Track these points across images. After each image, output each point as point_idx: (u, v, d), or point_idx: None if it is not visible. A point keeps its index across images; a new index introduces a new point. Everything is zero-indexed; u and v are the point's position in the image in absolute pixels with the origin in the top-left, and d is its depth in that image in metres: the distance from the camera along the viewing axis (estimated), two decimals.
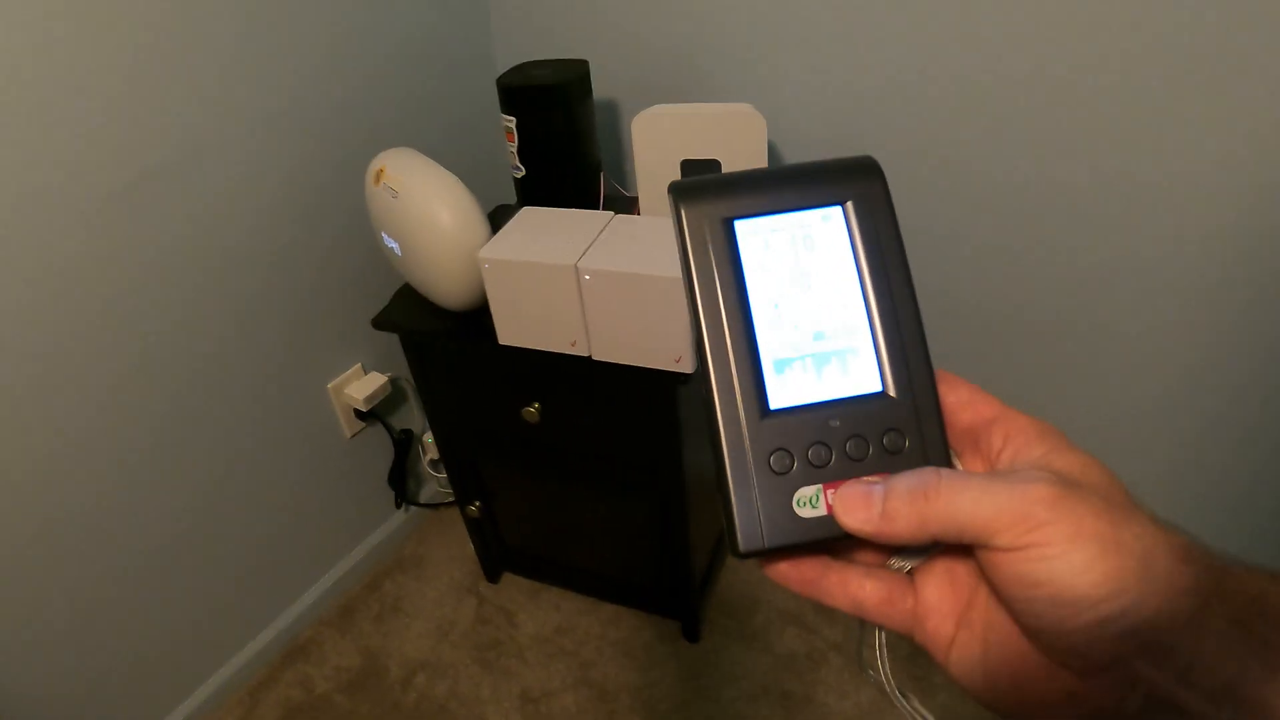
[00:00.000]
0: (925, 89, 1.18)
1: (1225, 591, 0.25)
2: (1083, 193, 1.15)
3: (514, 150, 1.25)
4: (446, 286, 1.13)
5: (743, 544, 0.31)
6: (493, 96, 1.38)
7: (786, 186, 0.33)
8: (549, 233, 1.08)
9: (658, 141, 1.17)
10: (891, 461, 0.31)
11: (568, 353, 1.09)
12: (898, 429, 0.32)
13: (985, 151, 1.18)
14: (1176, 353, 1.20)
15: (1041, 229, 1.20)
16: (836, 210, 0.33)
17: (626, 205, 1.31)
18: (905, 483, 0.29)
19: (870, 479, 0.31)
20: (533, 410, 1.20)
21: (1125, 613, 0.25)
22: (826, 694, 1.39)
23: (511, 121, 1.22)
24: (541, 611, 1.58)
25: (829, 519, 0.31)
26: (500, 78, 1.22)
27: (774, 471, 0.31)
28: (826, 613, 1.51)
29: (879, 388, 0.32)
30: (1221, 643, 0.25)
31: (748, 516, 0.31)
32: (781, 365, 0.32)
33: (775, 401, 0.32)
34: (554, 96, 1.19)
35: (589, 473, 1.31)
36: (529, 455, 1.33)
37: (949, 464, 0.32)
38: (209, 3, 1.09)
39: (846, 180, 0.33)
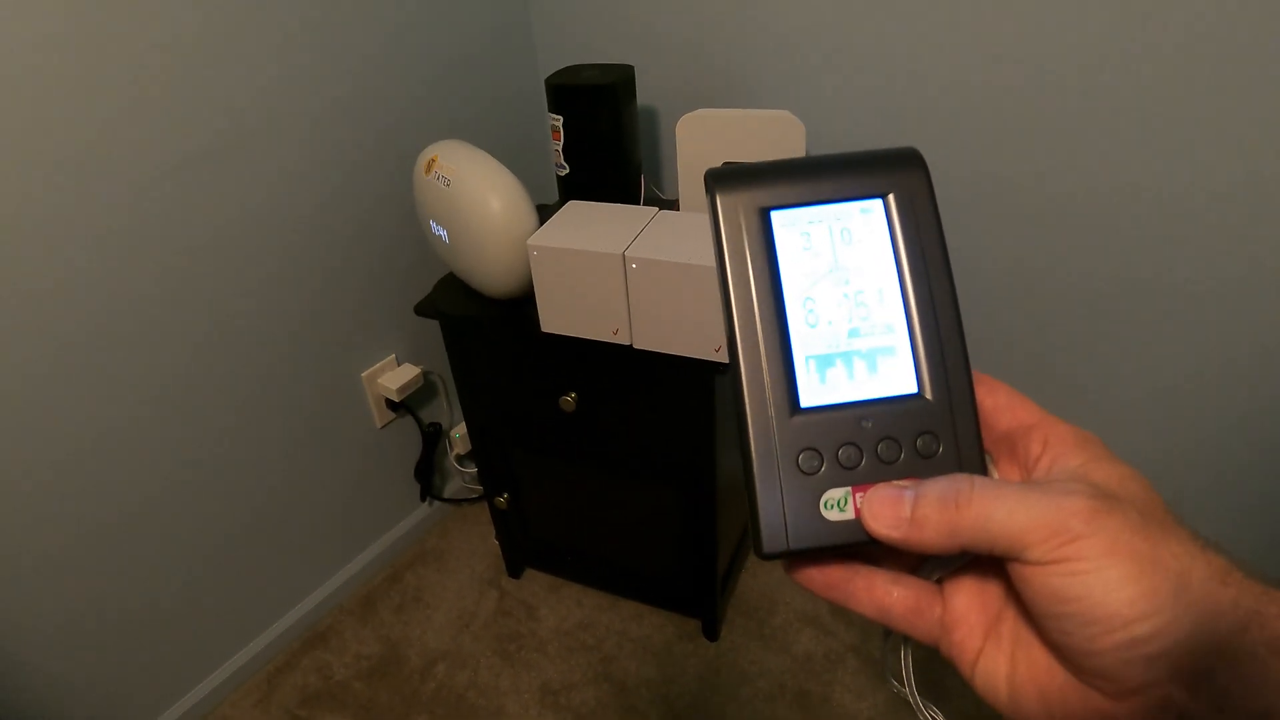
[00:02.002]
0: (965, 102, 1.22)
1: (1265, 616, 0.24)
2: (1135, 206, 1.18)
3: (559, 149, 1.29)
4: (492, 273, 1.16)
5: (767, 545, 0.30)
6: (533, 101, 1.43)
7: (826, 177, 0.32)
8: (595, 224, 1.12)
9: (700, 143, 1.22)
10: (924, 466, 0.30)
11: (609, 341, 1.12)
12: (932, 432, 0.31)
13: (1028, 167, 1.22)
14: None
15: (1086, 242, 1.24)
16: (877, 203, 0.32)
17: (664, 207, 1.34)
18: (936, 489, 0.28)
19: (901, 483, 0.30)
20: (569, 399, 1.23)
21: (1159, 634, 0.24)
22: (843, 694, 1.40)
23: (559, 120, 1.26)
24: (563, 606, 1.59)
25: (856, 523, 0.30)
26: (550, 78, 1.26)
27: (802, 471, 0.30)
28: (844, 615, 1.53)
29: (914, 389, 0.31)
30: (1260, 670, 0.24)
31: (773, 516, 0.30)
32: (814, 361, 0.31)
33: (806, 399, 0.31)
34: (601, 97, 1.24)
35: (621, 464, 1.34)
36: (562, 445, 1.36)
37: (983, 470, 0.31)
38: None
39: (888, 172, 0.32)
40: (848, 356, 0.31)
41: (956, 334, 0.31)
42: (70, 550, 1.15)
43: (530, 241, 1.09)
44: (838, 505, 0.30)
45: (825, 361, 0.31)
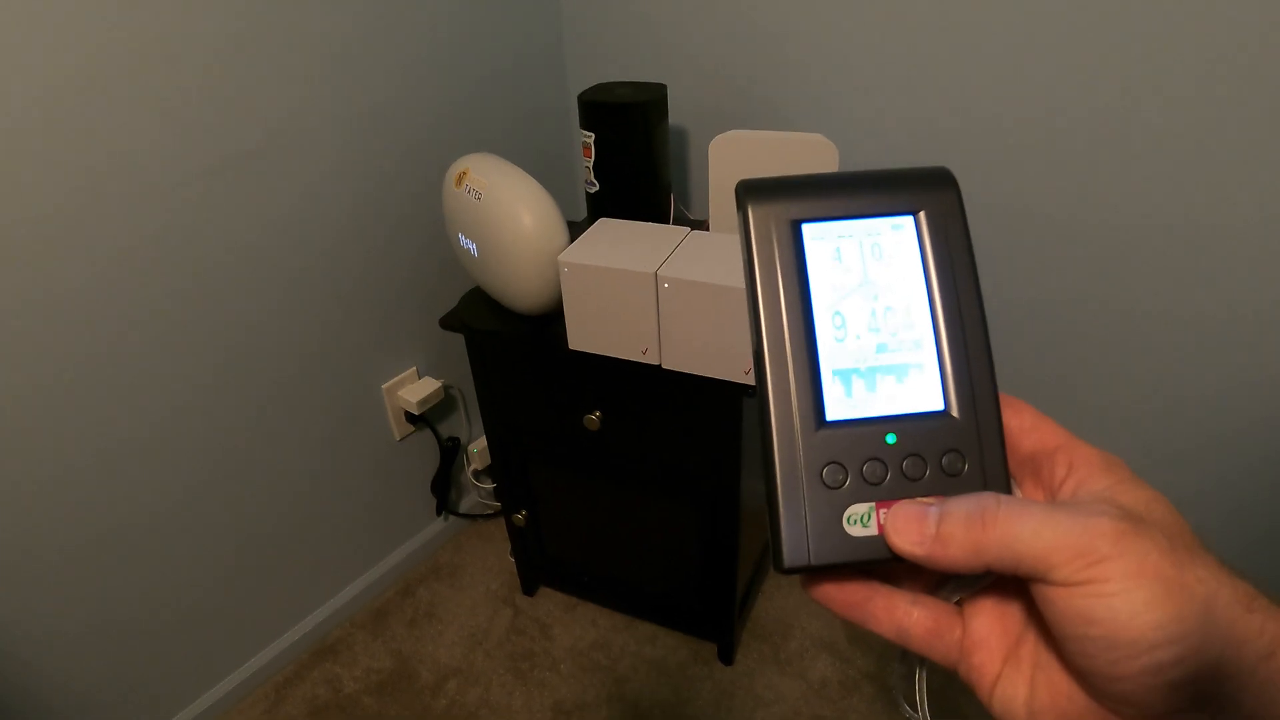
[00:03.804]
0: (996, 131, 1.22)
1: None
2: (1165, 242, 1.17)
3: (589, 165, 1.29)
4: (522, 288, 1.16)
5: (788, 559, 0.30)
6: (561, 119, 1.42)
7: (858, 192, 0.32)
8: (627, 242, 1.12)
9: (733, 163, 1.22)
10: (949, 484, 0.30)
11: (637, 360, 1.12)
12: (958, 450, 0.30)
13: (1060, 198, 1.22)
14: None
15: (1113, 269, 1.23)
16: (908, 220, 0.32)
17: (693, 227, 1.34)
18: (962, 507, 0.28)
19: (925, 500, 0.29)
20: (594, 418, 1.22)
21: (1183, 659, 0.23)
22: None
23: (590, 137, 1.26)
24: (578, 626, 1.58)
25: (879, 539, 0.29)
26: (583, 94, 1.26)
27: (826, 485, 0.30)
28: (860, 641, 1.52)
29: (941, 406, 0.31)
30: None
31: (795, 530, 0.30)
32: (841, 376, 0.31)
33: (832, 413, 0.30)
34: (635, 114, 1.24)
35: (643, 484, 1.33)
36: (583, 463, 1.35)
37: (1008, 490, 0.30)
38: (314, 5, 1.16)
39: (920, 190, 0.32)
40: (875, 372, 0.31)
41: (984, 352, 0.31)
42: (83, 556, 1.14)
43: (561, 258, 1.08)
44: (861, 521, 0.30)
45: (852, 376, 0.31)
